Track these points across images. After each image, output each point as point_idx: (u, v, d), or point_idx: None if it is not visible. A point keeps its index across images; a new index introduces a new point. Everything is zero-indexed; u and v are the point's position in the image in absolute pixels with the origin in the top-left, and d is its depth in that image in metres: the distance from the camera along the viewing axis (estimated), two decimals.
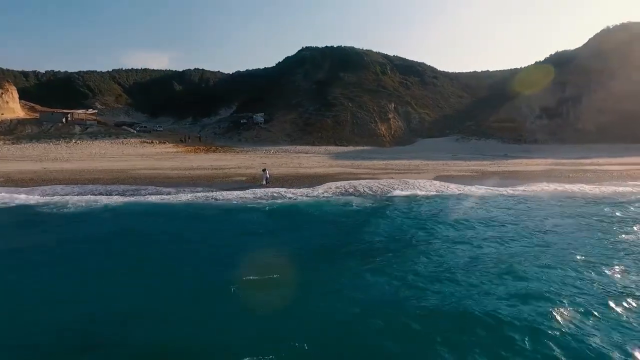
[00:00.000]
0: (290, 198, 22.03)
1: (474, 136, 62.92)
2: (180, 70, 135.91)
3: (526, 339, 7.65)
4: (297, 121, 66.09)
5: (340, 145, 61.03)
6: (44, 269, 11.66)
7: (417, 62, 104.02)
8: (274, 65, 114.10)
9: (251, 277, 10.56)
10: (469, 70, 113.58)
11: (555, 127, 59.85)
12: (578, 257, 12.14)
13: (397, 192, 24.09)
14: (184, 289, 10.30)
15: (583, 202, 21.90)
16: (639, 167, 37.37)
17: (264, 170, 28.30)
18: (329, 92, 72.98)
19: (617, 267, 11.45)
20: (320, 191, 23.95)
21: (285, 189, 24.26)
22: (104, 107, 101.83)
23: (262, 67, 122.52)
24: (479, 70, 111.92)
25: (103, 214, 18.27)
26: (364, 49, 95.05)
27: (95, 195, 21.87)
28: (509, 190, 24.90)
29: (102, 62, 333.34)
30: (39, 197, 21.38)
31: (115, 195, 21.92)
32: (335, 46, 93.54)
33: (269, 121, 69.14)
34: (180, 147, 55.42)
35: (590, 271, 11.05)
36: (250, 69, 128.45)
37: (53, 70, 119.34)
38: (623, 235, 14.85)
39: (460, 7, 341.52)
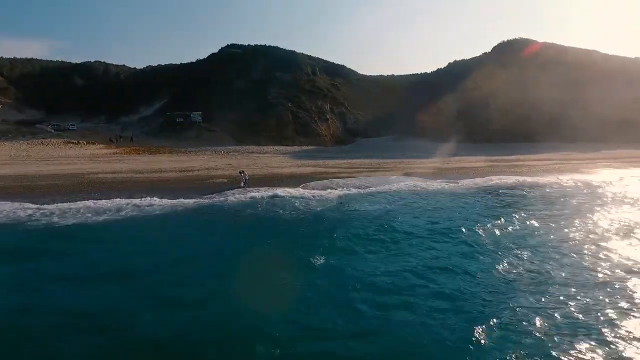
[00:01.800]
0: (320, 197, 22.34)
1: (408, 136, 68.47)
2: (79, 62, 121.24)
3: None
4: (240, 121, 64.41)
5: (286, 145, 61.35)
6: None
7: (339, 64, 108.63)
8: (195, 61, 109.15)
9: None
10: (386, 74, 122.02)
11: (471, 128, 68.27)
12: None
13: (403, 186, 26.57)
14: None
15: (530, 188, 26.58)
16: (552, 162, 45.26)
17: (241, 172, 27.73)
18: (268, 92, 72.53)
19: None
20: (336, 190, 24.72)
21: (297, 190, 24.41)
22: None
23: (174, 62, 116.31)
24: (396, 74, 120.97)
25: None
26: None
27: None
28: (477, 182, 28.94)
29: None
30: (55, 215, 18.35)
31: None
32: (268, 45, 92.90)
33: (207, 121, 66.11)
34: (114, 148, 50.10)
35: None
36: (163, 64, 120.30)
37: None
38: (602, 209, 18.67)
39: (364, 14, 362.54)
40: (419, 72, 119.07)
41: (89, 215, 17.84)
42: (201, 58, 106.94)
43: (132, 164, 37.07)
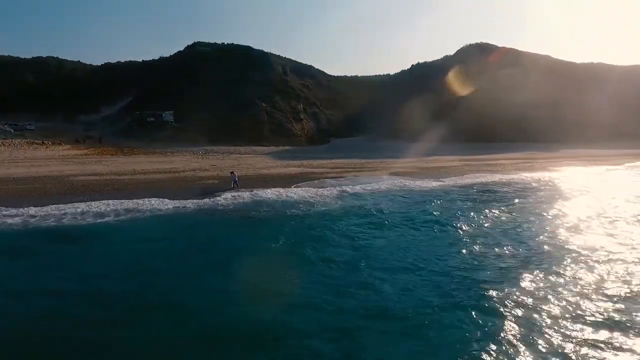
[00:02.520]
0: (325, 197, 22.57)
1: (381, 137, 70.11)
2: (29, 57, 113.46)
3: None
4: (213, 121, 62.97)
5: (262, 145, 60.94)
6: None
7: (307, 64, 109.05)
8: (158, 58, 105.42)
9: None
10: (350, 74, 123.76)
11: (441, 129, 70.91)
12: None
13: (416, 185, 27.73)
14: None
15: (510, 185, 28.35)
16: (520, 161, 48.15)
17: (232, 172, 27.52)
18: (241, 91, 71.43)
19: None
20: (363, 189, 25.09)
21: (293, 190, 24.56)
22: None
23: (133, 59, 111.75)
24: (359, 75, 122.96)
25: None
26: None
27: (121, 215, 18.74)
28: (460, 181, 30.44)
29: None
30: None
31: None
32: (239, 44, 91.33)
33: (178, 120, 64.21)
34: (84, 149, 47.57)
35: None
36: (122, 61, 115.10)
37: None
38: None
39: (327, 15, 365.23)
40: (382, 74, 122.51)
41: (90, 219, 17.12)
42: (165, 56, 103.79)
43: (110, 165, 35.49)
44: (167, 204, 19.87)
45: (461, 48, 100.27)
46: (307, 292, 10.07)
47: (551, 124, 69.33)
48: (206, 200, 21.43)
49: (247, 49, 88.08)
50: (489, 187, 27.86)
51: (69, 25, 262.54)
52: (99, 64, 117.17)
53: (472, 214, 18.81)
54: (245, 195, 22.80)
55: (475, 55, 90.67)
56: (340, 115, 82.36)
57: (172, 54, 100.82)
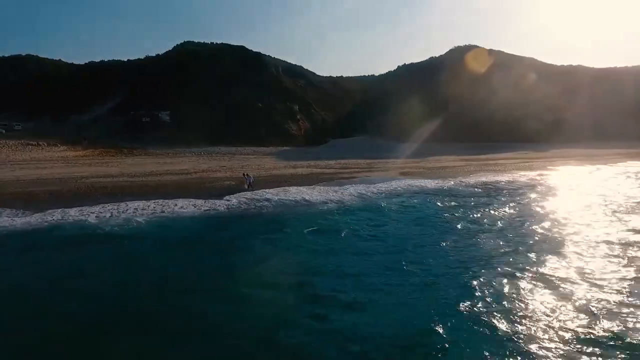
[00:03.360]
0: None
1: (377, 136, 70.76)
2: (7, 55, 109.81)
3: None
4: (210, 122, 62.31)
5: (261, 146, 60.66)
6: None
7: (297, 65, 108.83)
8: (144, 57, 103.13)
9: None
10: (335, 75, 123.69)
11: (436, 128, 72.30)
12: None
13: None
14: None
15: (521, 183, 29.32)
16: (518, 161, 49.55)
17: (245, 174, 27.39)
18: (236, 91, 70.87)
19: None
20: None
21: (316, 190, 24.63)
22: None
23: (114, 59, 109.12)
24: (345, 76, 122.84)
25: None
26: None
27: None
28: (472, 180, 31.12)
29: None
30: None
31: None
32: (231, 44, 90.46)
33: (175, 121, 63.17)
34: (81, 151, 46.37)
35: None
36: (106, 60, 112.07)
37: None
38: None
39: (310, 13, 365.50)
40: (368, 74, 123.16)
41: (133, 221, 16.74)
42: (151, 55, 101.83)
43: (118, 167, 34.81)
44: (197, 205, 19.66)
45: (450, 50, 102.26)
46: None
47: (539, 125, 71.62)
48: (234, 200, 21.23)
49: (241, 49, 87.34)
50: (503, 186, 28.52)
51: (45, 23, 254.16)
52: (83, 63, 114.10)
53: (517, 209, 19.51)
54: (269, 195, 22.65)
55: (464, 57, 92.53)
56: (333, 115, 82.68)
57: (159, 53, 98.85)
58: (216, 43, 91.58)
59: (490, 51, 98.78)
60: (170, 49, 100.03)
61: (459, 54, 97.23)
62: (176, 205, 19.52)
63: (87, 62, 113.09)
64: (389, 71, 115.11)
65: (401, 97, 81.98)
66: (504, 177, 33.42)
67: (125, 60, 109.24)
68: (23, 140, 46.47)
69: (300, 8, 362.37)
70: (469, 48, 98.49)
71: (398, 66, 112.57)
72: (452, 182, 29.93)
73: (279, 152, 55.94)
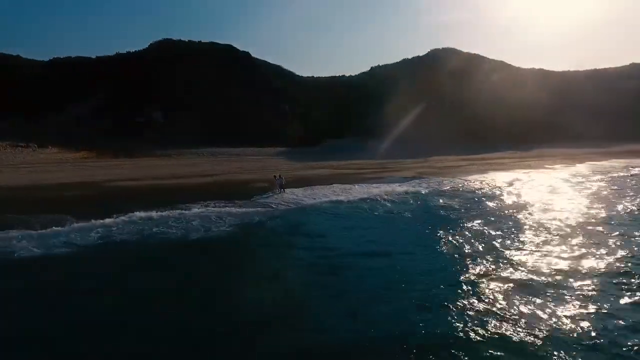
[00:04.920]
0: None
1: (369, 137, 71.33)
2: None
3: None
4: (205, 122, 60.71)
5: (259, 147, 59.88)
6: None
7: (278, 65, 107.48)
8: (114, 54, 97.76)
9: None
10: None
11: (427, 129, 74.19)
12: None
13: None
14: None
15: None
16: (512, 160, 51.95)
17: (277, 176, 27.04)
18: (228, 91, 69.52)
19: None
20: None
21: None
22: None
23: (83, 55, 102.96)
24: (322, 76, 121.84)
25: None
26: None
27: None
28: (489, 178, 32.15)
29: None
30: None
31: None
32: (217, 43, 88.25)
33: (167, 121, 61.09)
34: (77, 153, 43.99)
35: None
36: (73, 56, 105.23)
37: None
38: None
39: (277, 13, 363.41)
40: (340, 75, 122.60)
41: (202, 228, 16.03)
42: (131, 51, 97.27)
43: (134, 169, 33.39)
44: (252, 208, 19.38)
45: (428, 52, 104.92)
46: None
47: (521, 126, 75.43)
48: (290, 204, 20.96)
49: (229, 48, 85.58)
50: (525, 183, 29.83)
51: None
52: (46, 60, 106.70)
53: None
54: (318, 195, 22.73)
55: (443, 59, 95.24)
56: (323, 115, 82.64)
57: (130, 51, 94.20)
58: (202, 42, 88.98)
59: (467, 53, 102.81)
60: (147, 46, 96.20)
61: (437, 56, 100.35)
62: (240, 207, 19.12)
63: (50, 58, 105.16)
64: (362, 72, 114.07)
65: (383, 97, 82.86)
66: (514, 175, 34.65)
67: (94, 57, 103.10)
68: (9, 142, 43.36)
69: (280, 8, 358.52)
70: (447, 51, 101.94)
71: (371, 67, 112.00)
72: (477, 180, 30.91)
73: (280, 153, 55.65)
